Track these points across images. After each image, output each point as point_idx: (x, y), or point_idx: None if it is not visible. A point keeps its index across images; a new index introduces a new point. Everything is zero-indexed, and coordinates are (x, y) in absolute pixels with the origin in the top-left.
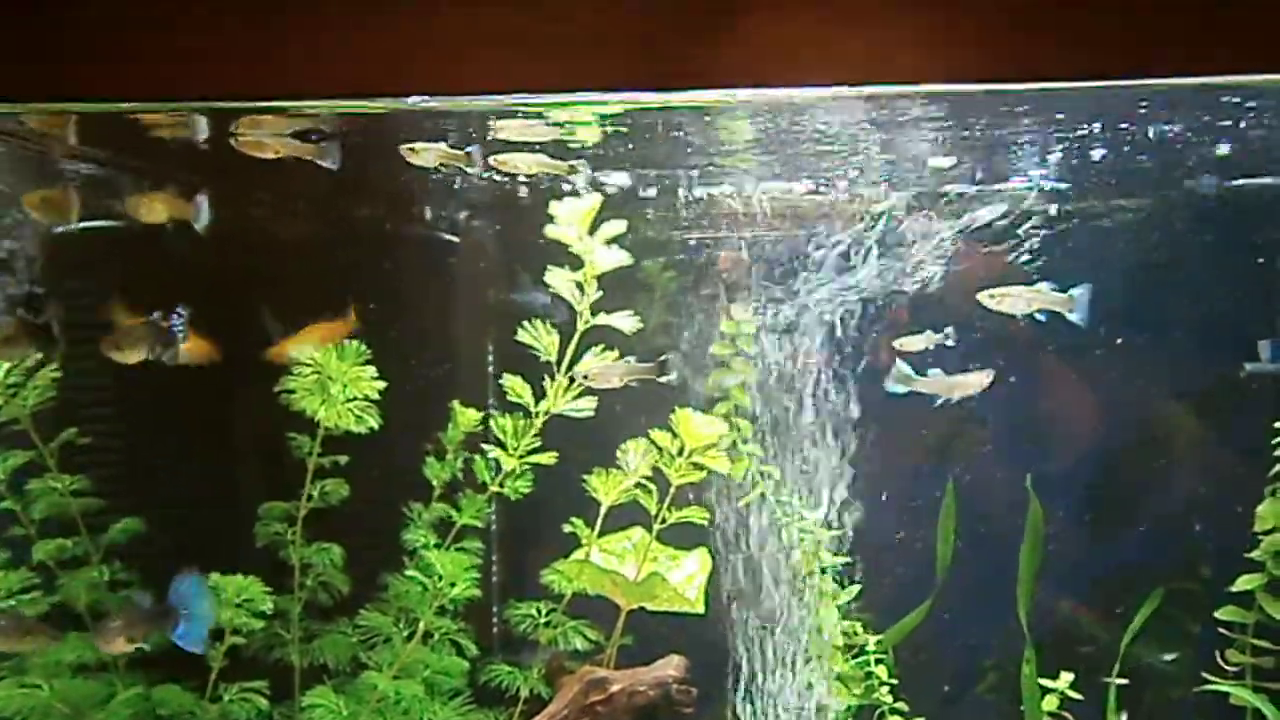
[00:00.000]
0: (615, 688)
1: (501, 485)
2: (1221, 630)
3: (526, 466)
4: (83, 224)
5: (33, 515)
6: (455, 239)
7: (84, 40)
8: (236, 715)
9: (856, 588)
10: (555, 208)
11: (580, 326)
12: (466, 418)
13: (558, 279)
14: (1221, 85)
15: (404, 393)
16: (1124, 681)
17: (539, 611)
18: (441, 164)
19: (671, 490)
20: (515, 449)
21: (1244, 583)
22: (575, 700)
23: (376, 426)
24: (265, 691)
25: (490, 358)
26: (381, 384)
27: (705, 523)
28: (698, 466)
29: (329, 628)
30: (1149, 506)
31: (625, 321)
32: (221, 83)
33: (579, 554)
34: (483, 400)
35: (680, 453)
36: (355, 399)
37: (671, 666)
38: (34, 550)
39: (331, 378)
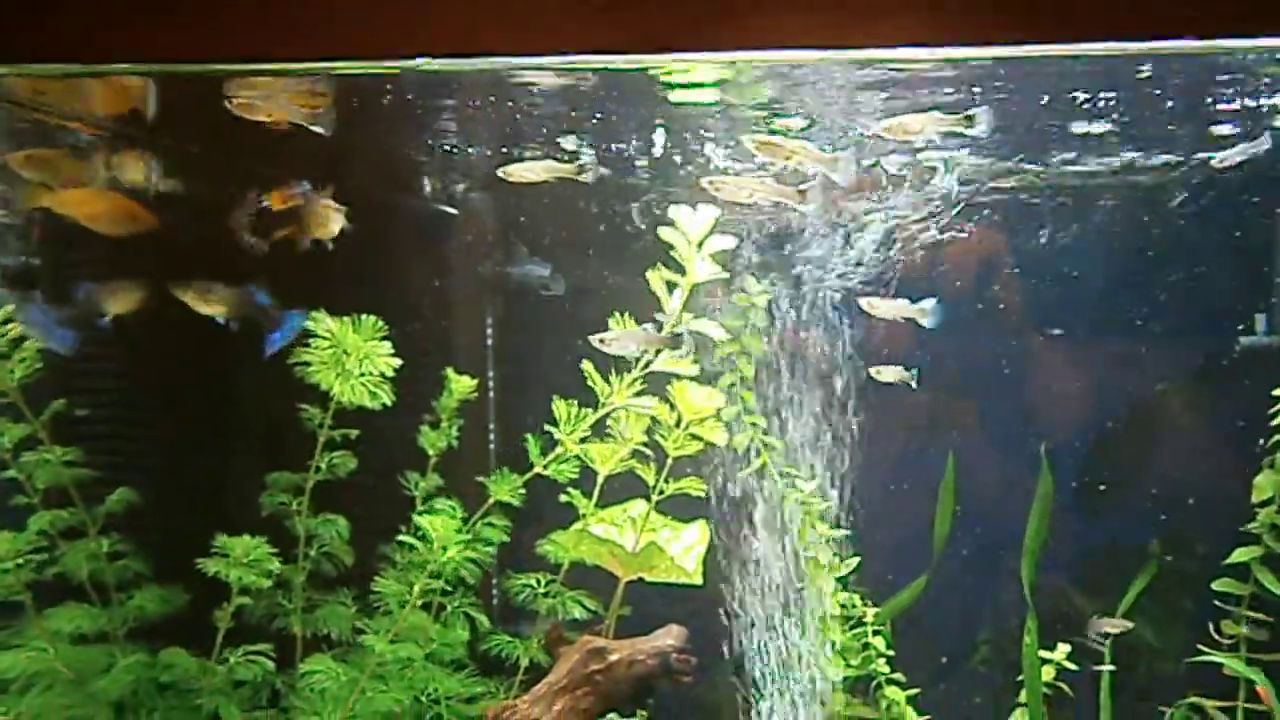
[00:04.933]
0: (615, 657)
1: (547, 467)
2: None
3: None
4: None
5: (36, 485)
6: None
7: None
8: (244, 676)
9: (856, 559)
10: (674, 212)
11: (668, 328)
12: (461, 385)
13: (654, 279)
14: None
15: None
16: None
17: (538, 582)
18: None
19: (669, 462)
20: (569, 433)
21: (1240, 555)
22: (575, 669)
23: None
24: (271, 654)
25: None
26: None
27: (703, 494)
28: (695, 438)
29: (330, 598)
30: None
31: (713, 328)
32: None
33: (577, 525)
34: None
35: (678, 424)
36: (369, 374)
37: (671, 636)
38: (31, 521)
39: (347, 352)
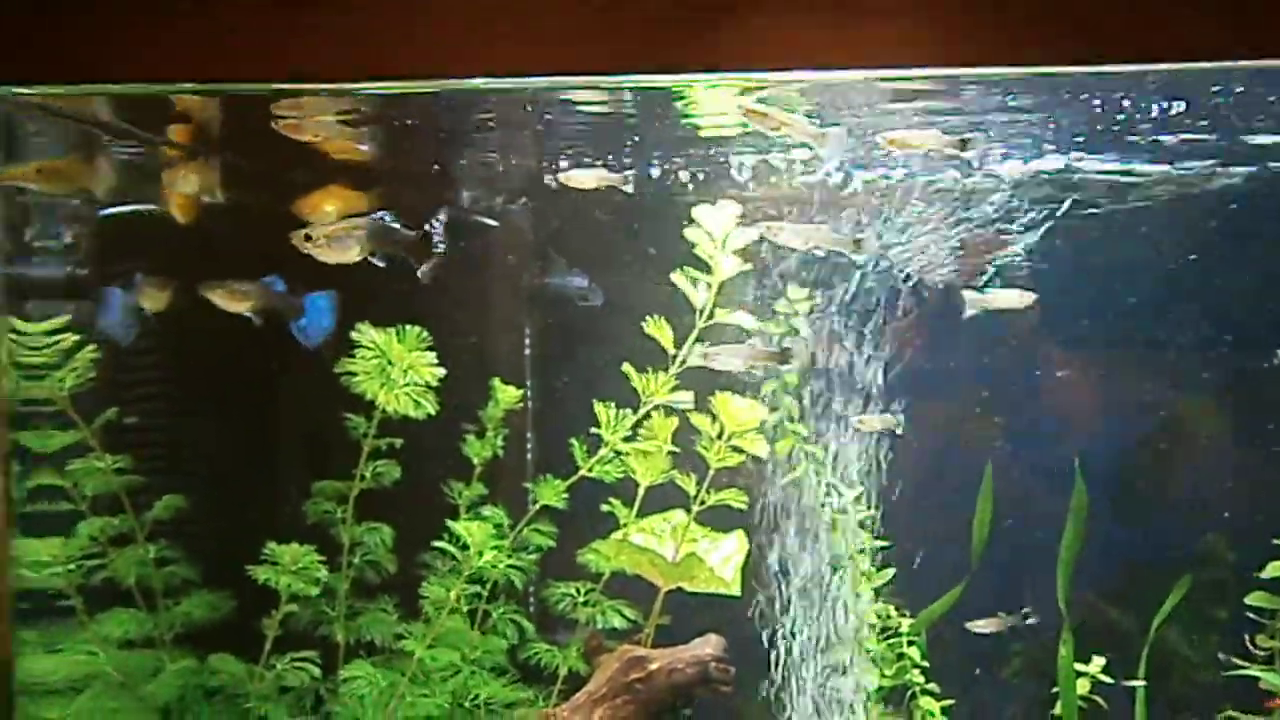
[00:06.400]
0: (654, 665)
1: (591, 470)
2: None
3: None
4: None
5: (84, 492)
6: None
7: (111, 21)
8: (291, 683)
9: (891, 570)
10: (697, 212)
11: (700, 324)
12: (507, 395)
13: (681, 279)
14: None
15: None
16: None
17: (578, 590)
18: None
19: (710, 473)
20: (612, 434)
21: (1275, 569)
22: (615, 678)
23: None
24: (317, 661)
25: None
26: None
27: (744, 506)
28: (737, 450)
29: (372, 605)
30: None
31: (746, 319)
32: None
33: (617, 534)
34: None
35: (720, 436)
36: (413, 383)
37: (710, 645)
38: (80, 528)
39: (392, 362)
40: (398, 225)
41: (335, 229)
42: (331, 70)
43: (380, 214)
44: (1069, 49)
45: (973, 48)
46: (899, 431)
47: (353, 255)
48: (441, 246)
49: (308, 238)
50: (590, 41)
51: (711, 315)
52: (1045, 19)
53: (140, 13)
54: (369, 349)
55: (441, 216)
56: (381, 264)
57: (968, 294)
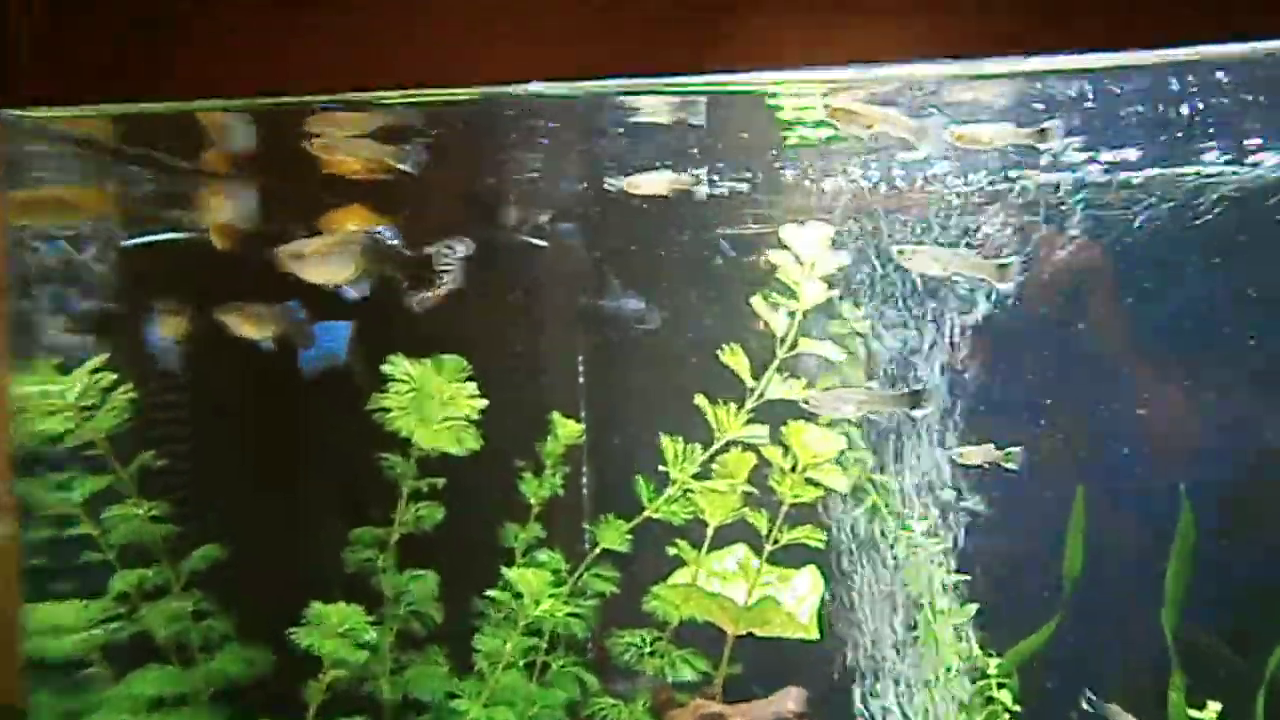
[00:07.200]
0: None
1: (657, 511)
2: None
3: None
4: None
5: (109, 540)
6: None
7: (111, 21)
8: None
9: (974, 606)
10: (784, 232)
11: (780, 354)
12: (568, 430)
13: (762, 305)
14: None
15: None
16: None
17: (643, 640)
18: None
19: (783, 509)
20: (680, 471)
21: None
22: None
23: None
24: None
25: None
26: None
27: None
28: (811, 483)
29: (420, 659)
30: None
31: (830, 350)
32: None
33: (683, 577)
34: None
35: (793, 469)
36: (453, 419)
37: (791, 699)
38: (113, 580)
39: (429, 396)
40: (397, 243)
41: (323, 245)
42: (331, 70)
43: (379, 230)
44: (1069, 44)
45: (972, 46)
46: (1012, 466)
47: (345, 276)
48: (447, 274)
49: (293, 255)
50: (590, 41)
51: (794, 345)
52: (1045, 17)
53: (140, 11)
54: (403, 382)
55: (453, 243)
56: (357, 294)
57: None
